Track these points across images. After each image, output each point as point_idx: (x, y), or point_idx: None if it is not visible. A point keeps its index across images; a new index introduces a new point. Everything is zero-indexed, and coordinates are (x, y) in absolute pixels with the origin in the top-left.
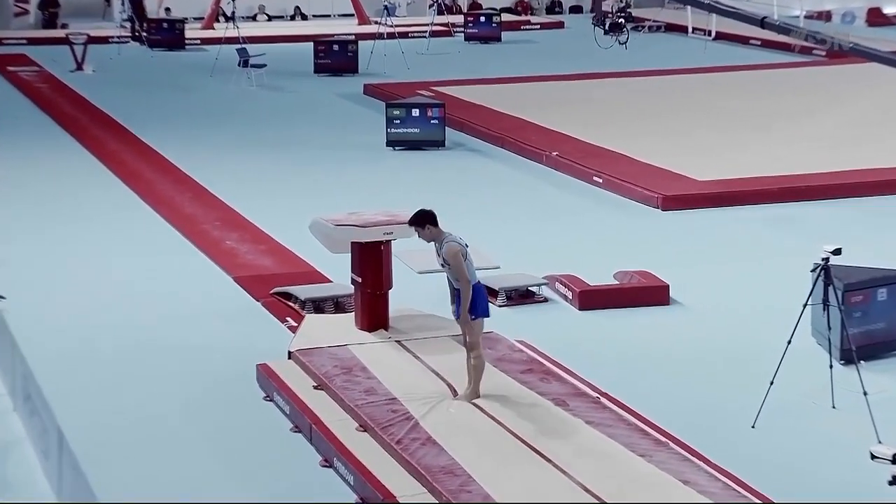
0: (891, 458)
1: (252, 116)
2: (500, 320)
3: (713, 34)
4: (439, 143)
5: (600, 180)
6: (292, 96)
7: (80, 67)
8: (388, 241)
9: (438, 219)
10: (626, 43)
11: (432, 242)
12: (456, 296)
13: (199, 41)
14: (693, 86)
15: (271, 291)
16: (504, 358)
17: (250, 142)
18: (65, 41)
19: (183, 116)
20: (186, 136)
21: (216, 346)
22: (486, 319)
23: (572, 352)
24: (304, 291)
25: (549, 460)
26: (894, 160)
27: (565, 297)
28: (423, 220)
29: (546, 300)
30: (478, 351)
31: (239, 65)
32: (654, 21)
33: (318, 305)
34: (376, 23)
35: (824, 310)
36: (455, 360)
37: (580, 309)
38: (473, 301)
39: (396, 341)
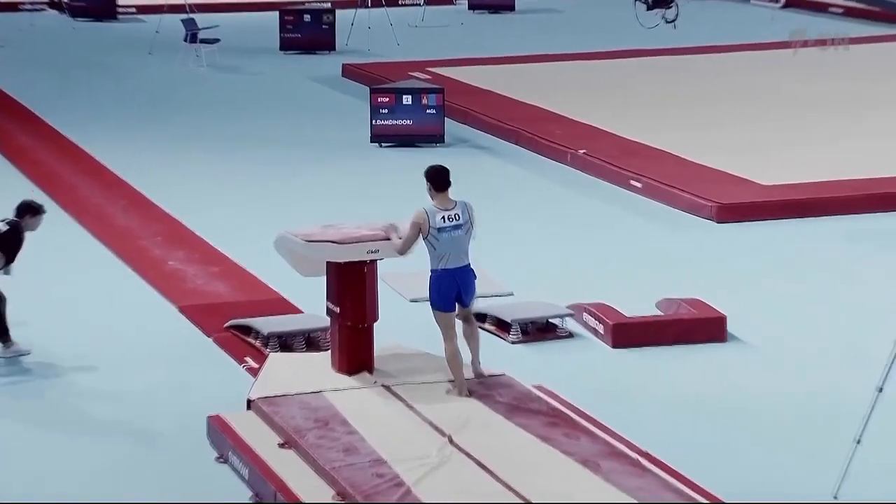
0: None
1: (202, 105)
2: (514, 361)
3: (782, 1)
4: (437, 139)
5: (639, 185)
6: (252, 80)
7: None
8: (373, 262)
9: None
10: (674, 21)
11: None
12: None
13: (134, 9)
14: (756, 66)
15: (226, 325)
16: (519, 407)
17: (199, 138)
18: None
19: (114, 105)
20: (119, 130)
21: (156, 394)
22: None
23: (605, 400)
24: (267, 324)
25: None
26: None
27: (595, 332)
28: (428, 176)
29: (571, 335)
30: (447, 343)
31: (185, 39)
32: None
33: (286, 342)
34: None
35: None
36: (457, 410)
37: (614, 346)
38: (433, 290)
39: (384, 386)
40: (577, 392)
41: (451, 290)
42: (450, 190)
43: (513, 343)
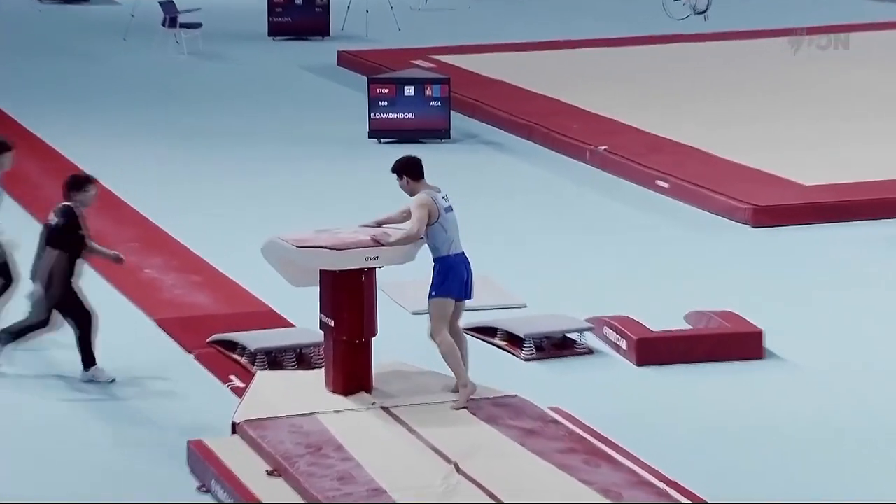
0: None
1: (181, 97)
2: (528, 380)
3: None
4: (442, 134)
5: (666, 185)
6: (238, 69)
7: None
8: (372, 270)
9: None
10: (705, 12)
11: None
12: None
13: None
14: (798, 53)
15: (209, 339)
16: (534, 432)
17: (179, 133)
18: None
19: (85, 96)
20: (89, 124)
21: (130, 417)
22: (506, 383)
23: (628, 424)
24: (254, 340)
25: None
26: None
27: (617, 348)
28: (402, 168)
29: (591, 352)
30: (440, 337)
31: (164, 24)
32: None
33: (275, 359)
34: None
35: None
36: (465, 434)
37: (638, 364)
38: (443, 276)
39: (383, 408)
40: (598, 415)
41: (463, 276)
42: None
43: (526, 360)
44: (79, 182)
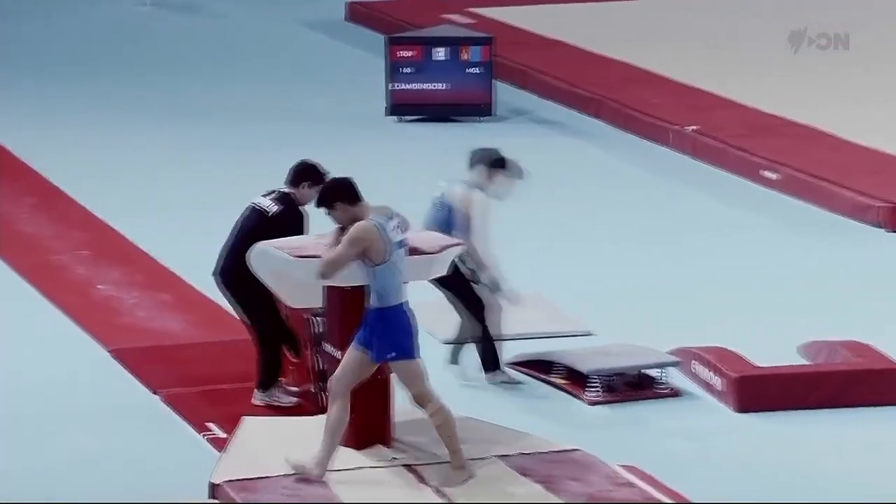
0: None
1: (146, 63)
2: (593, 430)
3: None
4: (483, 110)
5: (775, 176)
6: (220, 26)
7: None
8: None
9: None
10: None
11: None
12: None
13: None
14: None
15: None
16: (601, 496)
17: (143, 109)
18: None
19: (22, 62)
20: (31, 98)
21: (78, 474)
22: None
23: (724, 487)
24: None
25: None
26: None
27: (710, 389)
28: (329, 195)
29: (676, 394)
30: (433, 404)
31: None
32: None
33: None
34: None
35: None
36: (512, 501)
37: (738, 410)
38: (399, 331)
39: (406, 466)
40: (684, 475)
41: (416, 329)
42: None
43: (591, 404)
44: (317, 175)
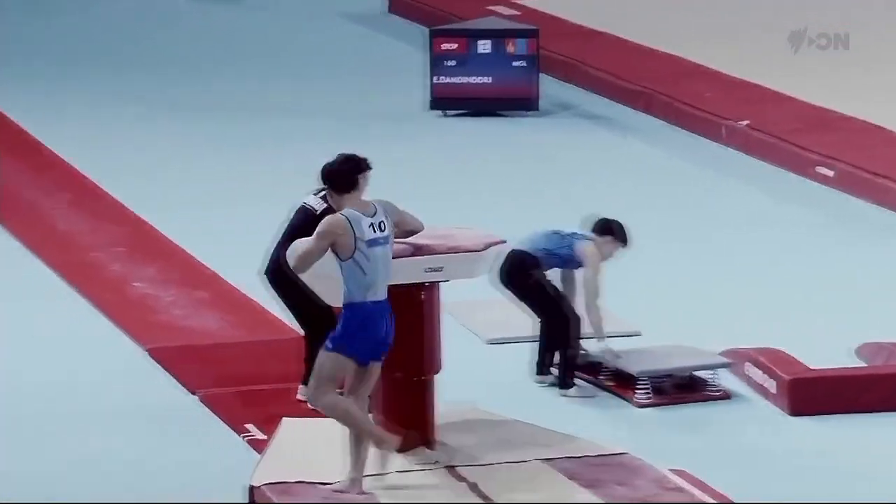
0: None
1: (179, 57)
2: (643, 432)
3: None
4: (528, 104)
5: (831, 173)
6: (254, 18)
7: None
8: (434, 285)
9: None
10: None
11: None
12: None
13: None
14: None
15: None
16: (649, 500)
17: (175, 104)
18: None
19: (53, 56)
20: (58, 93)
21: (112, 478)
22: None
23: (777, 492)
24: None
25: None
26: None
27: (764, 391)
28: (325, 181)
29: (727, 396)
30: (324, 400)
31: None
32: None
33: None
34: None
35: None
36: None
37: (792, 413)
38: (351, 328)
39: (448, 468)
40: (735, 480)
41: (378, 333)
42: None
43: (640, 406)
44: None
